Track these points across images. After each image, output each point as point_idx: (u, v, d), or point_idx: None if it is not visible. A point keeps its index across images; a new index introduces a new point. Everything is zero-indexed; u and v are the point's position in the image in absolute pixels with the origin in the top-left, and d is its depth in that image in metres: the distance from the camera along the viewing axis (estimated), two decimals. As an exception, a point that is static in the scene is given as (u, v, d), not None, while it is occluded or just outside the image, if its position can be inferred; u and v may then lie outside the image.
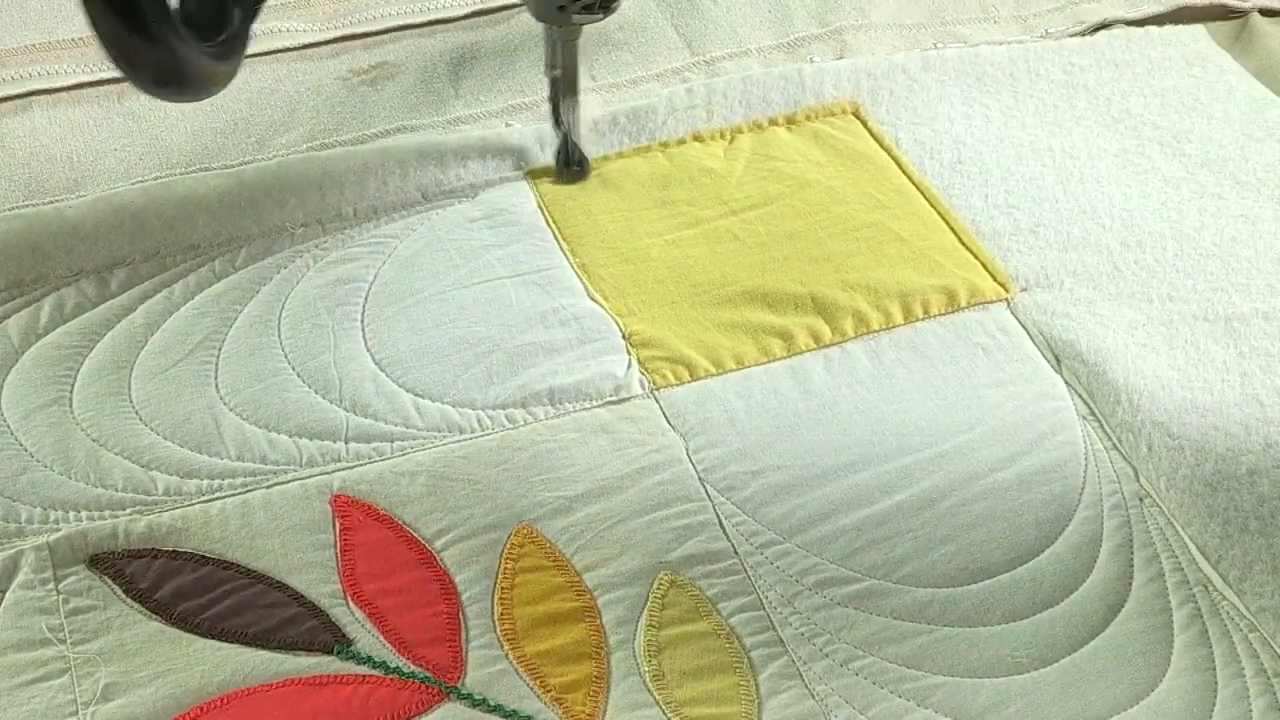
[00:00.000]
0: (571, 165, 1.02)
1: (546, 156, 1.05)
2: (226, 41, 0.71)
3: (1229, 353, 0.92)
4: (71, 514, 0.82)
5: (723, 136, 1.08)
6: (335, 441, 0.86)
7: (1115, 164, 1.07)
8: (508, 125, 1.07)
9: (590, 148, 1.05)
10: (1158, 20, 1.21)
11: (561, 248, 0.99)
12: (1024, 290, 0.97)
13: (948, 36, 1.19)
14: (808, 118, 1.10)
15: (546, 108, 1.03)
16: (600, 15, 0.93)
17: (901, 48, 1.18)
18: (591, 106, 1.09)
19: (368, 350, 0.91)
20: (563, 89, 0.99)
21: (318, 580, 0.79)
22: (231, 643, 0.76)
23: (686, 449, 0.87)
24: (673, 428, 0.88)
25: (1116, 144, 1.09)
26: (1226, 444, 0.87)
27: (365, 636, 0.77)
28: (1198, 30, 1.20)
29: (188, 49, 0.68)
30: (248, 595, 0.78)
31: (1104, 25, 1.21)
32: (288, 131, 1.06)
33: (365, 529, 0.81)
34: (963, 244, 1.00)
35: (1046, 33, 1.20)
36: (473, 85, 1.12)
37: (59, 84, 1.08)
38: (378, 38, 1.15)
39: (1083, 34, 1.20)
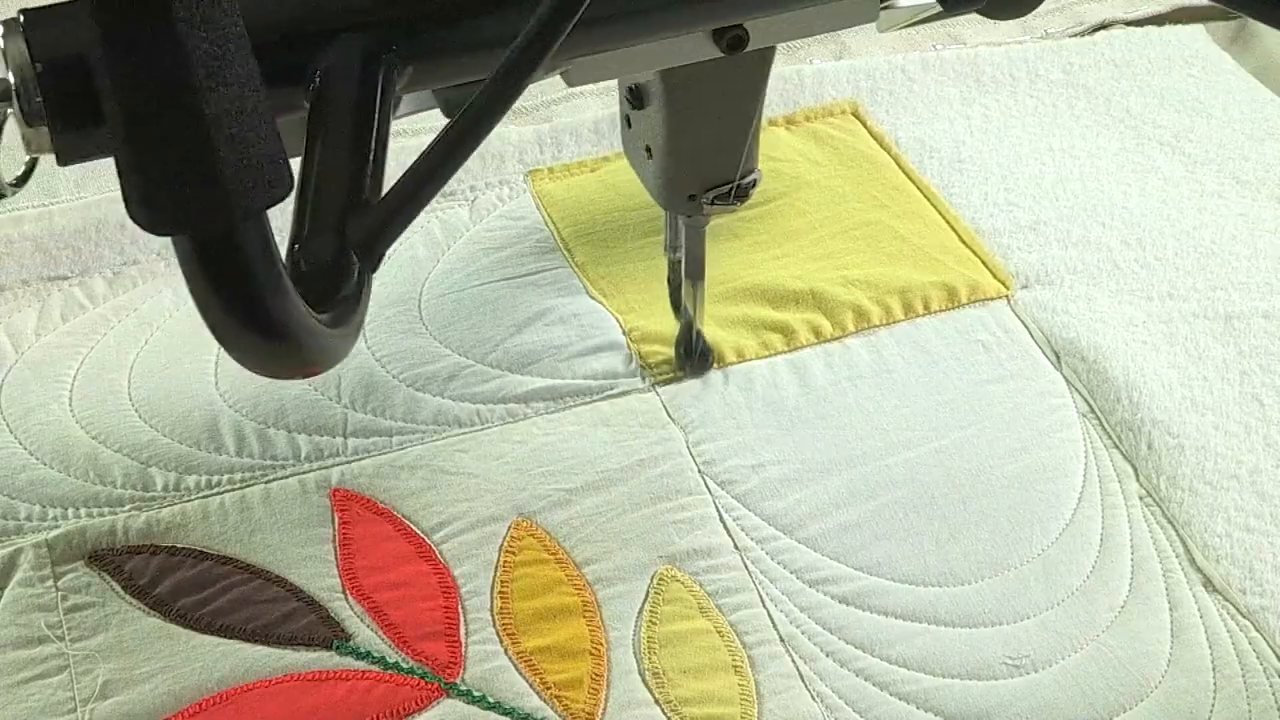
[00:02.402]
0: (695, 356, 0.90)
1: (545, 158, 1.05)
2: (347, 304, 0.54)
3: (1229, 351, 0.92)
4: (70, 511, 0.82)
5: (723, 137, 1.08)
6: (334, 436, 0.86)
7: (1115, 163, 1.07)
8: (508, 128, 1.07)
9: (591, 148, 1.05)
10: (1157, 20, 1.21)
11: (560, 248, 0.99)
12: (1024, 288, 0.97)
13: (946, 37, 1.19)
14: (807, 118, 1.10)
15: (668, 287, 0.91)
16: (735, 205, 0.80)
17: (900, 49, 1.18)
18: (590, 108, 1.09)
19: (368, 348, 0.91)
20: (687, 273, 0.86)
21: (316, 574, 0.79)
22: (230, 638, 0.76)
23: (686, 442, 0.87)
24: (673, 420, 0.88)
25: (1116, 143, 1.09)
26: (1226, 443, 0.87)
27: (364, 631, 0.77)
28: (1197, 30, 1.20)
29: (311, 332, 0.51)
30: (246, 590, 0.78)
31: (1103, 25, 1.21)
32: (289, 134, 1.06)
33: (364, 522, 0.81)
34: (963, 242, 1.00)
35: (1046, 33, 1.20)
36: (473, 88, 1.12)
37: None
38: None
39: (1082, 34, 1.20)
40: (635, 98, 0.76)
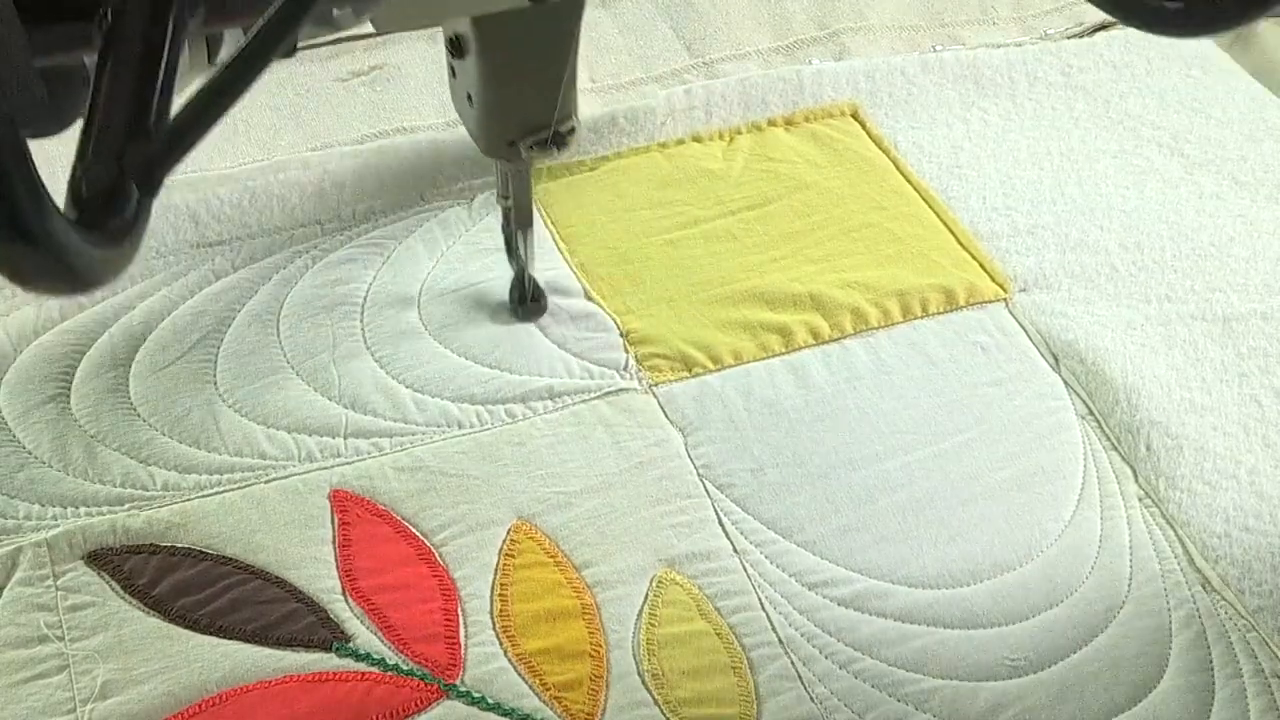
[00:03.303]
0: (526, 301, 0.94)
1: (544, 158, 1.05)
2: (121, 226, 0.59)
3: (1227, 353, 0.92)
4: (70, 510, 0.82)
5: (721, 137, 1.08)
6: (334, 437, 0.86)
7: (1114, 165, 1.07)
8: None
9: (590, 147, 1.05)
10: (1156, 22, 1.21)
11: (559, 248, 0.99)
12: (1022, 290, 0.97)
13: (946, 38, 1.19)
14: (806, 119, 1.10)
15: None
16: (553, 152, 0.85)
17: (900, 50, 1.18)
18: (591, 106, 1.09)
19: (367, 348, 0.91)
20: (515, 221, 0.91)
21: (316, 575, 0.79)
22: (230, 639, 0.76)
23: (685, 444, 0.87)
24: (671, 422, 0.88)
25: (1115, 145, 1.09)
26: (1225, 444, 0.87)
27: (363, 633, 0.77)
28: (1197, 31, 1.20)
29: (76, 247, 0.56)
30: (246, 591, 0.78)
31: (1103, 26, 1.21)
32: (287, 133, 1.06)
33: (363, 523, 0.81)
34: (961, 245, 1.00)
35: (1045, 34, 1.20)
36: (472, 87, 1.12)
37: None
38: (377, 39, 1.15)
39: (1082, 35, 1.20)
40: (456, 48, 0.80)
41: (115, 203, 0.56)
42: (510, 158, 0.85)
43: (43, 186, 0.50)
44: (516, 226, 0.91)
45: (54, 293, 0.60)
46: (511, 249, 0.93)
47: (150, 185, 0.57)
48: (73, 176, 0.55)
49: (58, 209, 0.52)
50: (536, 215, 1.01)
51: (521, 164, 0.86)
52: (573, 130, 0.84)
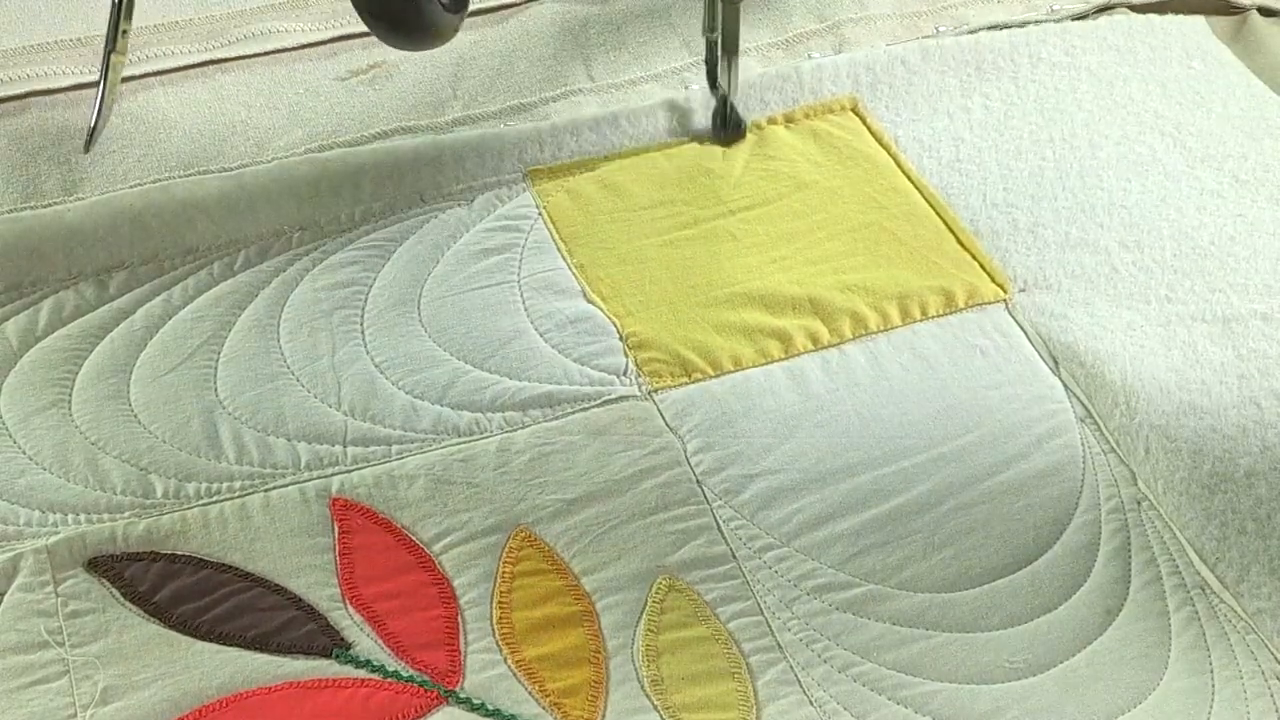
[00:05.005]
0: (728, 128, 1.06)
1: (545, 156, 1.05)
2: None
3: (1226, 354, 0.92)
4: (70, 517, 0.82)
5: (722, 136, 1.08)
6: (334, 445, 0.86)
7: (1116, 153, 1.06)
8: (506, 126, 1.07)
9: (590, 147, 1.05)
10: (1159, 8, 1.20)
11: (559, 249, 0.99)
12: (1022, 291, 0.97)
13: (949, 20, 1.18)
14: (806, 115, 1.09)
15: (703, 70, 1.07)
16: None
17: (902, 38, 1.17)
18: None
19: (367, 353, 0.91)
20: (722, 50, 1.03)
21: (316, 583, 0.79)
22: (230, 646, 0.77)
23: (684, 451, 0.87)
24: (670, 429, 0.88)
25: (1118, 131, 1.08)
26: (1224, 446, 0.87)
27: (364, 640, 0.77)
28: (1198, 23, 1.19)
29: (433, 6, 0.83)
30: (246, 598, 0.78)
31: (1107, 7, 1.20)
32: (286, 134, 1.06)
33: (364, 532, 0.81)
34: (961, 244, 1.00)
35: (1051, 10, 1.19)
36: (471, 86, 1.11)
37: (57, 85, 1.08)
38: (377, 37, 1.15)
39: (1085, 16, 1.19)
40: None
41: None
42: None
43: None
44: (725, 53, 1.03)
45: (409, 42, 0.87)
46: (714, 79, 1.05)
47: None
48: None
49: None
50: (538, 215, 1.01)
51: None
52: None
